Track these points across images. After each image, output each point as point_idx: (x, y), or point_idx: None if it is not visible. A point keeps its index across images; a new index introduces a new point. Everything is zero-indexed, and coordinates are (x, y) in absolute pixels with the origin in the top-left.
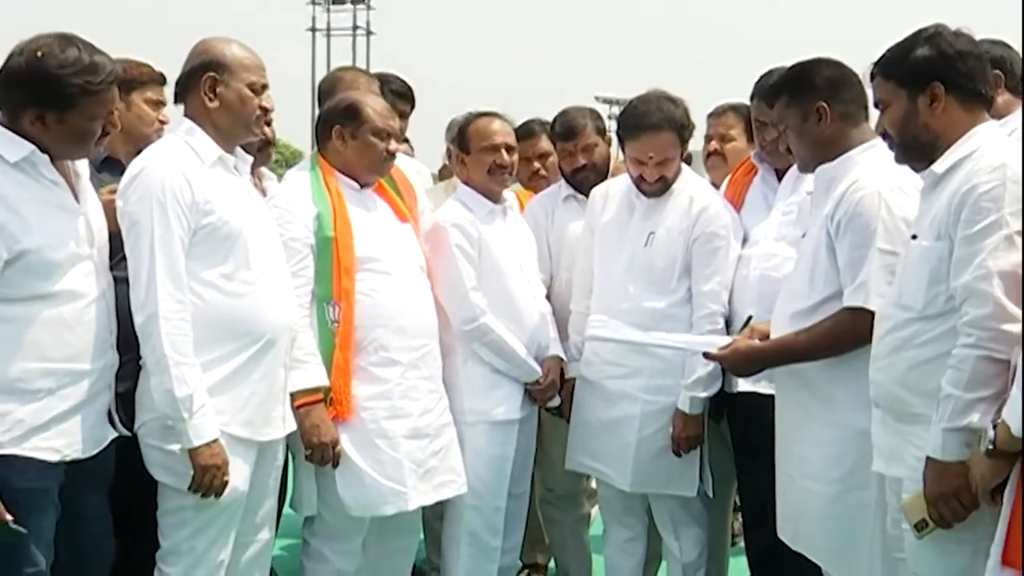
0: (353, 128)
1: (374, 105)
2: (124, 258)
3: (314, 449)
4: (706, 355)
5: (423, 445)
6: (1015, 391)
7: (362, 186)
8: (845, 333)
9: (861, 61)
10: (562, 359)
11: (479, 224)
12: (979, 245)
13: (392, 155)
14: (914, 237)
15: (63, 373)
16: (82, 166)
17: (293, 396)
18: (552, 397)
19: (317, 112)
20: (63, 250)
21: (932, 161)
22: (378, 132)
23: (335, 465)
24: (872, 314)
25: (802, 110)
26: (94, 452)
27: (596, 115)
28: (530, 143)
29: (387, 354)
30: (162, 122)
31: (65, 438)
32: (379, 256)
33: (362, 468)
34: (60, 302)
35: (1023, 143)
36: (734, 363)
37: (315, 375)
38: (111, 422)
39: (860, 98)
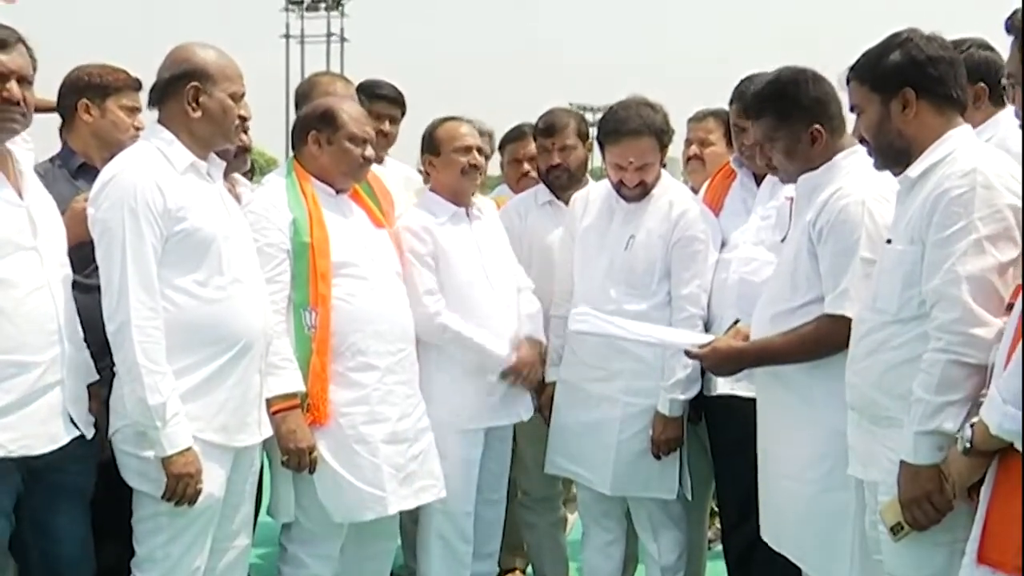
0: (329, 133)
1: (350, 111)
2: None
3: (291, 455)
4: (687, 353)
5: (402, 450)
6: (993, 390)
7: (338, 192)
8: (824, 339)
9: (832, 67)
10: (541, 342)
11: (438, 229)
12: (949, 249)
13: (368, 161)
14: (889, 241)
15: (6, 364)
16: (24, 163)
17: (269, 402)
18: (534, 375)
19: (292, 118)
20: None
21: (908, 165)
22: (354, 138)
23: (312, 471)
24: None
25: (793, 132)
26: (47, 450)
27: (581, 118)
28: (520, 144)
29: (364, 359)
30: (137, 128)
31: (10, 432)
32: (356, 261)
33: (341, 474)
34: None
35: None
36: (714, 362)
37: (291, 381)
38: (72, 421)
39: (841, 110)
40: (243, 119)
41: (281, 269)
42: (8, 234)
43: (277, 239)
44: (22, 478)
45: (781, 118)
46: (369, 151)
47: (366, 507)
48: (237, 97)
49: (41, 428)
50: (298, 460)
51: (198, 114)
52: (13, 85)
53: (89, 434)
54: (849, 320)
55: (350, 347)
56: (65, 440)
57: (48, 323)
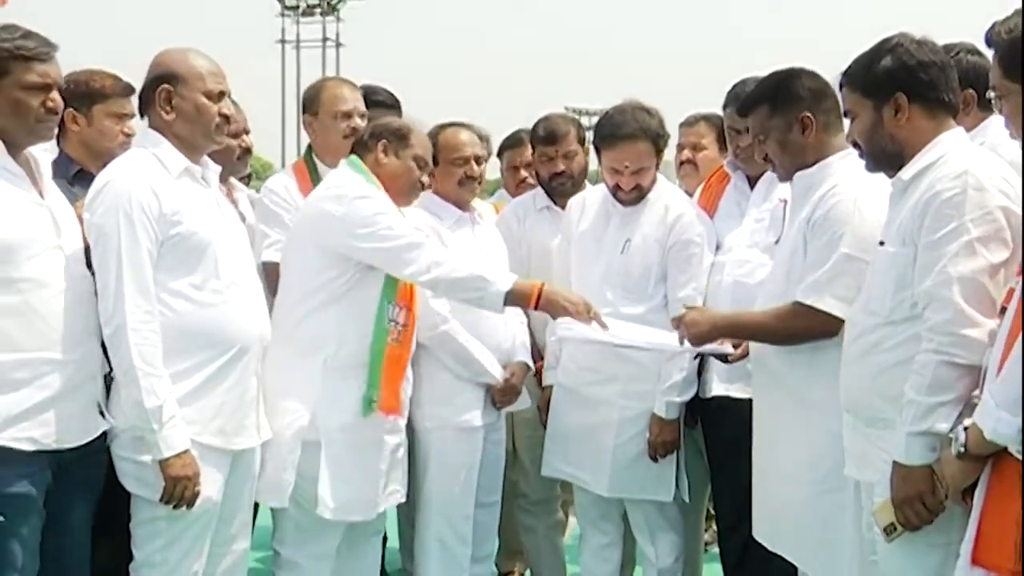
0: (399, 147)
1: (422, 136)
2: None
3: (578, 309)
4: (674, 320)
5: (393, 458)
6: (986, 394)
7: None
8: (791, 324)
9: (830, 70)
10: (529, 366)
11: (444, 231)
12: (940, 251)
13: (423, 187)
14: (881, 243)
15: (39, 362)
16: (44, 165)
17: (519, 294)
18: (512, 401)
19: (290, 123)
20: (24, 236)
21: (901, 168)
22: (419, 159)
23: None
24: (823, 314)
25: (786, 120)
26: (79, 443)
27: (578, 123)
28: (518, 151)
29: None
30: (127, 135)
31: (44, 428)
32: None
33: (350, 472)
34: (25, 290)
35: None
36: (693, 318)
37: (507, 276)
38: (101, 414)
39: (837, 108)
40: (225, 117)
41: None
42: (36, 234)
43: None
44: (52, 473)
45: (773, 107)
46: (426, 178)
47: (358, 509)
48: (213, 96)
49: (71, 423)
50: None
51: (172, 116)
52: (56, 95)
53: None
54: (820, 312)
55: None
56: (97, 432)
57: (77, 321)
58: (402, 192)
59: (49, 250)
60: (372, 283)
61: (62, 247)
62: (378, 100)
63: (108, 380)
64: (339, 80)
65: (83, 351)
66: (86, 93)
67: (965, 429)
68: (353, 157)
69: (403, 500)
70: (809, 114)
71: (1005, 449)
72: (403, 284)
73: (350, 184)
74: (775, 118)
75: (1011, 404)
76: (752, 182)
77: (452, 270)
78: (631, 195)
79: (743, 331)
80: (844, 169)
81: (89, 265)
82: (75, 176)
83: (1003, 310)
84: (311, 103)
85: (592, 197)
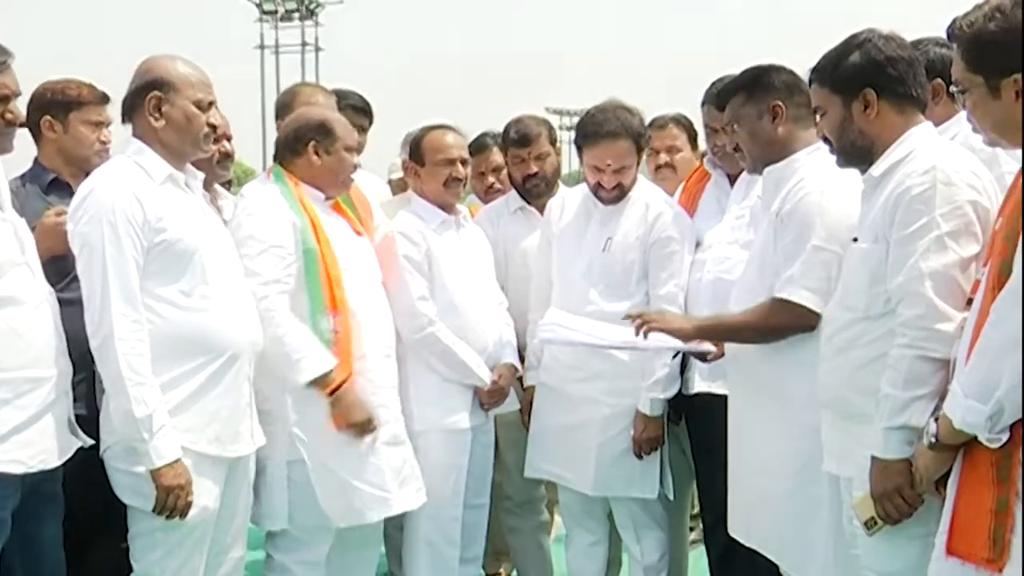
0: (328, 144)
1: (342, 122)
2: (76, 279)
3: (357, 426)
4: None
5: (399, 452)
6: (955, 384)
7: (325, 199)
8: (771, 320)
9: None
10: (516, 367)
11: (430, 234)
12: (912, 247)
13: (355, 169)
14: (855, 240)
15: (20, 381)
16: None
17: (318, 384)
18: (499, 403)
19: (270, 128)
20: None
21: (871, 164)
22: (349, 148)
23: (374, 440)
24: (800, 307)
25: (758, 108)
26: (59, 463)
27: (549, 124)
28: (483, 157)
29: (364, 363)
30: (103, 143)
31: (29, 449)
32: (347, 268)
33: (345, 477)
34: (2, 307)
35: None
36: (674, 315)
37: (323, 360)
38: (73, 432)
39: (809, 103)
40: (212, 127)
41: (289, 272)
42: (5, 251)
43: (286, 241)
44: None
45: (748, 95)
46: (357, 159)
47: (369, 509)
48: (203, 105)
49: (53, 442)
50: (362, 431)
51: (161, 123)
52: (14, 106)
53: (87, 445)
54: (797, 306)
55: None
56: (71, 452)
57: (52, 338)
58: (340, 184)
59: (17, 266)
60: (299, 294)
61: (28, 263)
62: (350, 104)
63: (85, 389)
64: (313, 87)
65: (59, 368)
66: (62, 101)
67: (936, 420)
68: (274, 166)
69: (425, 500)
70: (781, 103)
71: (976, 438)
72: (325, 289)
73: (249, 197)
74: (748, 105)
75: (979, 393)
76: (732, 180)
77: (277, 326)
78: (612, 193)
79: (725, 331)
80: (811, 163)
81: (49, 279)
82: (50, 184)
83: (970, 302)
84: (284, 110)
85: (572, 197)
